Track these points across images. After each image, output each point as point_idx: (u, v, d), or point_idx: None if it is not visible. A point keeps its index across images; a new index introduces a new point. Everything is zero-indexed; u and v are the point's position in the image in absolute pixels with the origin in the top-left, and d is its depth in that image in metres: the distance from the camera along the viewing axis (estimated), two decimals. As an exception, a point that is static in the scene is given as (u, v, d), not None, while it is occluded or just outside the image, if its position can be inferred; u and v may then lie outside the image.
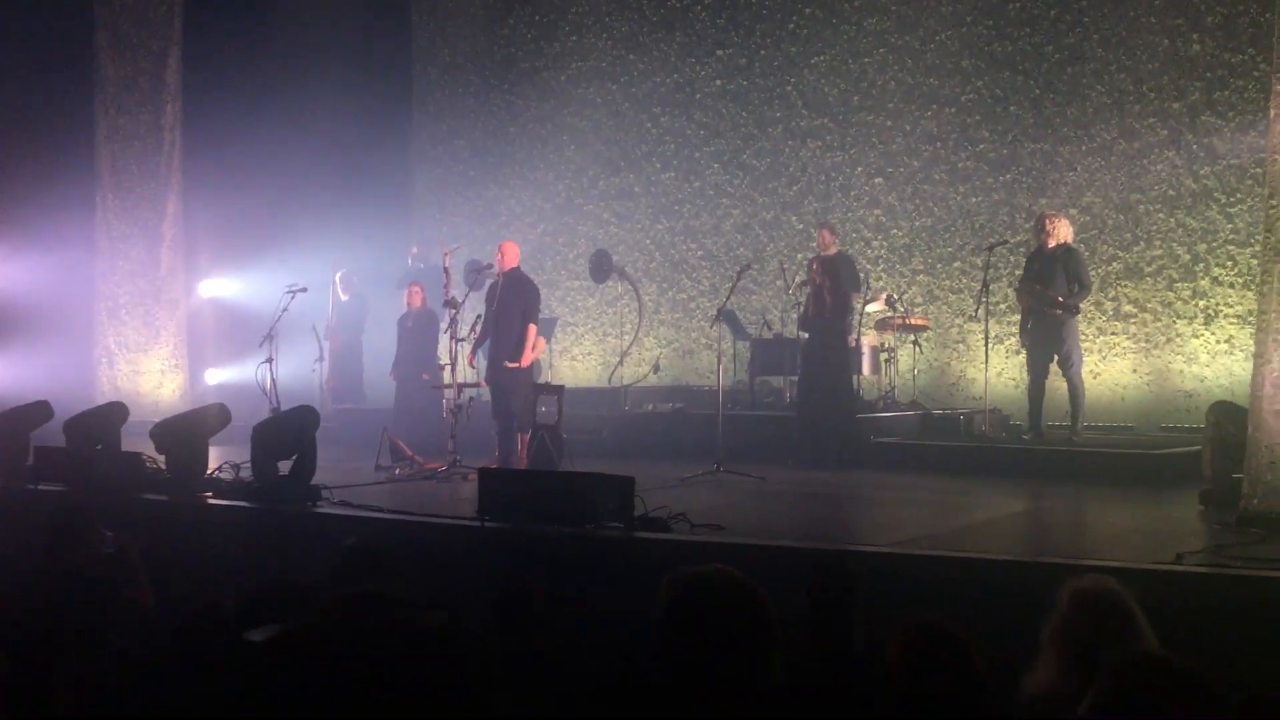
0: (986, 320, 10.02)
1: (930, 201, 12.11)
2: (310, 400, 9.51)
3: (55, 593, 4.92)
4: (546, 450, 8.67)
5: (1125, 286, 11.01)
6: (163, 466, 8.45)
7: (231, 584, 4.13)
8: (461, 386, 9.52)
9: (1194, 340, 10.69)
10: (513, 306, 9.47)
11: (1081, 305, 9.74)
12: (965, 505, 7.67)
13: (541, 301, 10.09)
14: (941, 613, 3.07)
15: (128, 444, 9.24)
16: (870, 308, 11.17)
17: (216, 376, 14.19)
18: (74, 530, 5.26)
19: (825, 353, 9.69)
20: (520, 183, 14.67)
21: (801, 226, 12.79)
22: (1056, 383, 9.68)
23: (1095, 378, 10.75)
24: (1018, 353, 10.37)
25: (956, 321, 11.86)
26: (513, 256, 9.68)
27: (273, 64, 14.03)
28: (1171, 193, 10.83)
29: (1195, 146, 10.69)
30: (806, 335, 9.89)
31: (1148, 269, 10.93)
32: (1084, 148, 11.23)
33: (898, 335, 11.22)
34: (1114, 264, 11.06)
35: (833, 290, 9.69)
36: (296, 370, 11.84)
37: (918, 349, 11.33)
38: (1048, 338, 9.48)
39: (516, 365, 9.40)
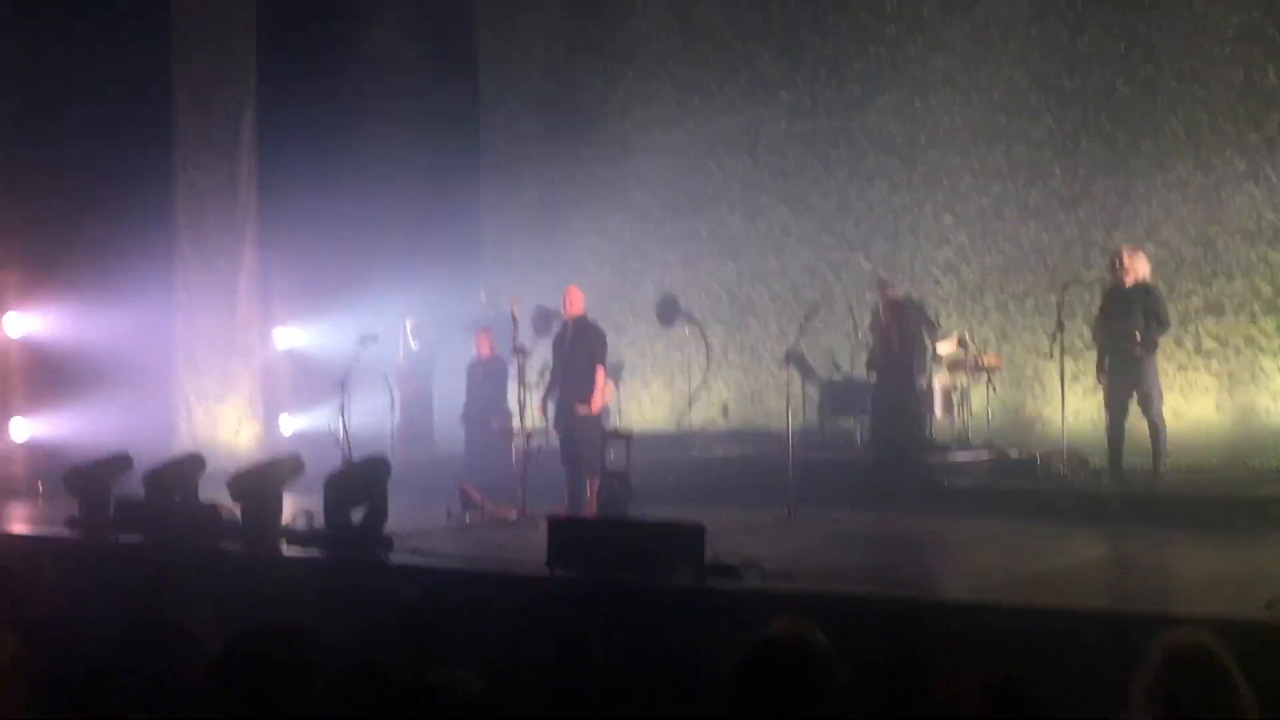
0: (1062, 359, 9.81)
1: (1001, 239, 11.95)
2: (382, 448, 9.58)
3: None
4: (615, 497, 8.64)
5: (1206, 322, 10.74)
6: (238, 517, 8.55)
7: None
8: (530, 433, 9.53)
9: (1279, 376, 10.38)
10: (580, 352, 9.48)
11: (1160, 342, 9.50)
12: (1042, 550, 7.46)
13: (608, 346, 10.09)
14: (1020, 668, 2.98)
15: (205, 494, 9.37)
16: (942, 348, 11.01)
17: (291, 425, 14.38)
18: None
19: (894, 394, 9.58)
20: (586, 228, 14.75)
21: (870, 267, 12.68)
22: (1137, 423, 9.41)
23: (1177, 416, 10.44)
24: (1095, 391, 10.14)
25: (1031, 360, 11.65)
26: (578, 302, 9.71)
27: (344, 117, 14.30)
28: (1251, 226, 10.57)
29: (1275, 178, 10.45)
30: (875, 377, 9.78)
31: (1229, 304, 10.66)
32: (1159, 182, 11.03)
33: (971, 375, 11.04)
34: (1193, 299, 10.80)
35: (900, 331, 9.58)
36: (368, 418, 11.95)
37: (991, 389, 11.12)
38: (1126, 377, 9.24)
39: (587, 410, 9.40)
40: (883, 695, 3.62)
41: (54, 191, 13.05)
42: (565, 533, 6.76)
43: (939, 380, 10.78)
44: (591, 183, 14.79)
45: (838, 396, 11.31)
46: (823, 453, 11.07)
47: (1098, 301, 9.93)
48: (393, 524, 7.86)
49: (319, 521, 8.31)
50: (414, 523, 8.53)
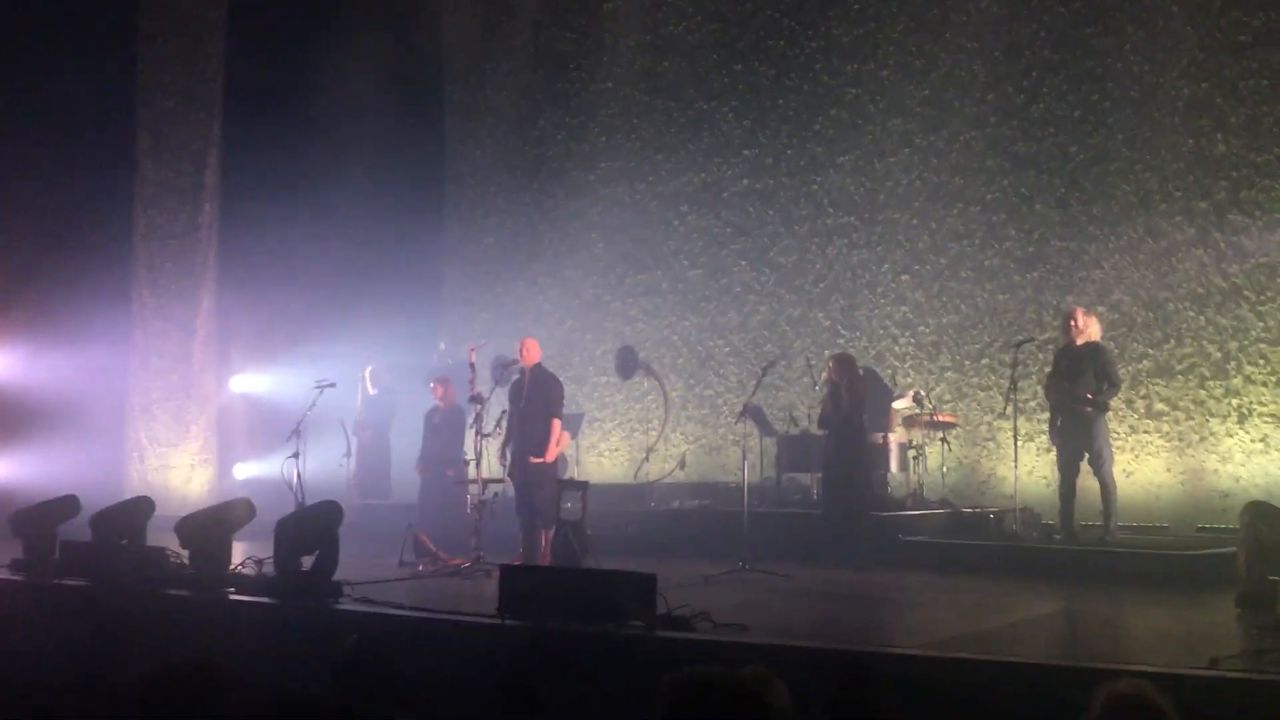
0: (1016, 417, 9.93)
1: (957, 299, 12.10)
2: (337, 495, 9.50)
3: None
4: (570, 547, 8.60)
5: (1157, 384, 10.89)
6: (186, 561, 8.43)
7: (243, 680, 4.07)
8: (486, 482, 9.50)
9: (1228, 439, 10.52)
10: (536, 402, 9.49)
11: (1111, 403, 9.64)
12: (995, 606, 7.51)
13: (565, 396, 10.10)
14: None
15: (153, 539, 9.25)
16: (898, 404, 11.10)
17: (245, 471, 14.24)
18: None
19: (844, 450, 9.66)
20: (548, 280, 14.81)
21: (829, 323, 12.80)
22: (1089, 482, 9.52)
23: (1128, 476, 10.58)
24: (1048, 450, 10.24)
25: (985, 419, 11.76)
26: (534, 352, 9.74)
27: (308, 164, 14.34)
28: (1201, 290, 10.77)
29: (1223, 245, 10.65)
30: (826, 434, 9.86)
31: (1179, 367, 10.83)
32: (1111, 245, 11.22)
33: (926, 433, 11.13)
34: (1144, 362, 10.96)
35: (849, 389, 9.69)
36: (324, 465, 11.87)
37: (946, 446, 11.21)
38: (1078, 435, 9.36)
39: (541, 460, 9.38)
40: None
41: (10, 231, 12.97)
42: (517, 581, 6.71)
43: (894, 437, 10.86)
44: (554, 235, 14.87)
45: (794, 451, 11.35)
46: (779, 507, 11.10)
47: (1050, 361, 10.08)
48: (344, 571, 7.77)
49: (268, 567, 8.22)
50: (366, 570, 8.46)
